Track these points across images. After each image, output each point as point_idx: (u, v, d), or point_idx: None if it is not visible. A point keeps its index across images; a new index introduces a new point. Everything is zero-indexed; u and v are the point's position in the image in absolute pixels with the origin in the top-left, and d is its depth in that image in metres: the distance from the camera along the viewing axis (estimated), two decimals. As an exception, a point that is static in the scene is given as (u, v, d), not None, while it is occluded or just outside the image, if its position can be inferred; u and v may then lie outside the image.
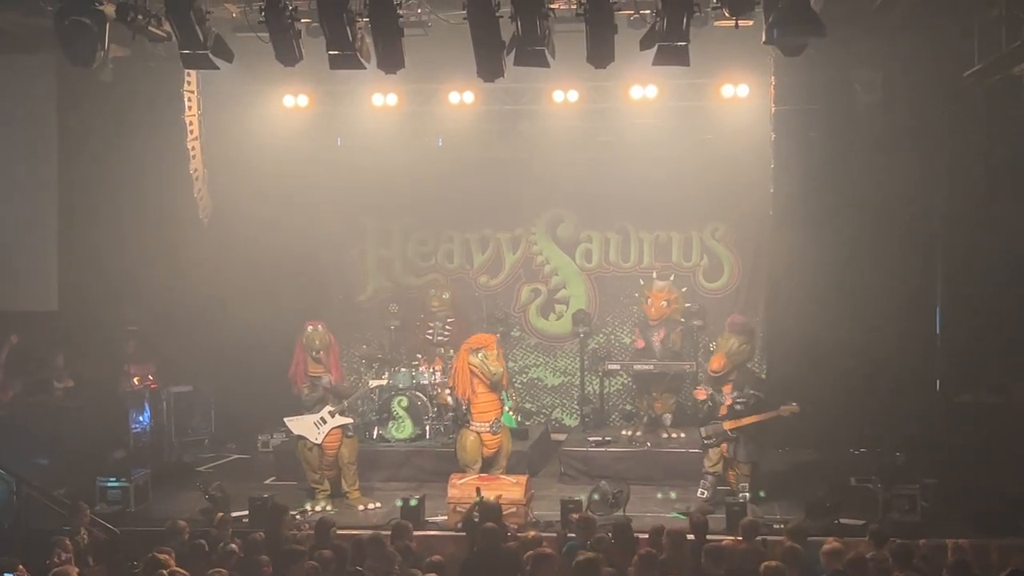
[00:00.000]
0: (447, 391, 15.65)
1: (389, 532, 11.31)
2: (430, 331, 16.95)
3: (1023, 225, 13.73)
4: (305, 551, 10.18)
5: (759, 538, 10.96)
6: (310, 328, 14.29)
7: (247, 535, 11.05)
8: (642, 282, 17.05)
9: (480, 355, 14.31)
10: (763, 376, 15.69)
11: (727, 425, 13.54)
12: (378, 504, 14.12)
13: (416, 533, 11.50)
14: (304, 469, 14.16)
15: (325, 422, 14.02)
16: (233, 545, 10.46)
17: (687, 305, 16.60)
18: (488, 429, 14.35)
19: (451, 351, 16.58)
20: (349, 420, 14.30)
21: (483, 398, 14.38)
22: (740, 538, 10.87)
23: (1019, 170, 13.67)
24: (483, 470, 14.22)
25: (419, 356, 16.43)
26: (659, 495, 14.09)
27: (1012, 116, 13.66)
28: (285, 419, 14.24)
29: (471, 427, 14.34)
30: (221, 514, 12.12)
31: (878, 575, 9.75)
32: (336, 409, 14.08)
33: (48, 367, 15.48)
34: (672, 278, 16.90)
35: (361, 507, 14.00)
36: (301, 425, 14.05)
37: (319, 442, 13.97)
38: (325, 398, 14.10)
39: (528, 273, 18.27)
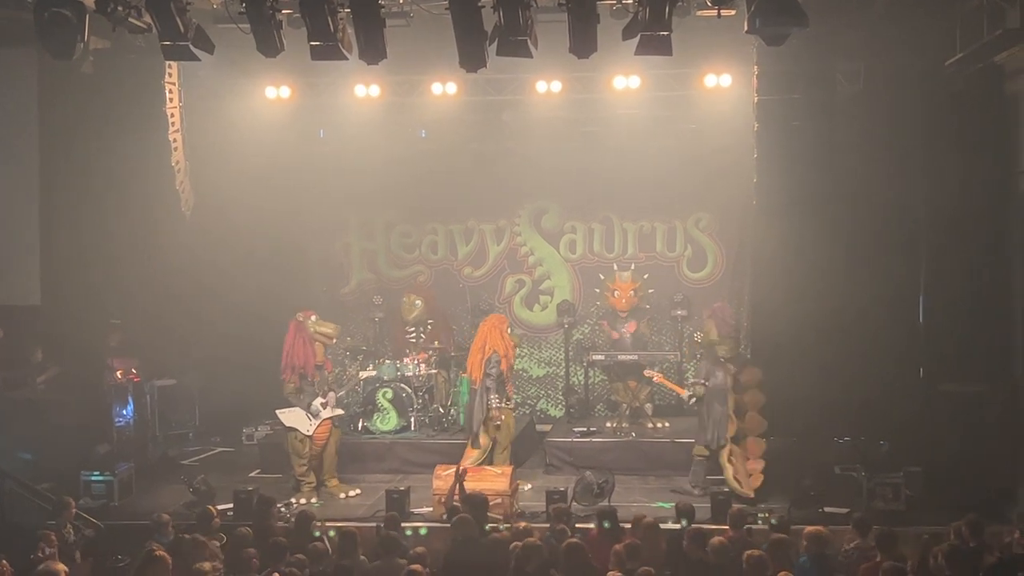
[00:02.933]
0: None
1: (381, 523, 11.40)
2: (412, 336, 16.93)
3: (1005, 213, 13.77)
4: (288, 545, 10.16)
5: (745, 527, 11.02)
6: (315, 317, 14.44)
7: (234, 528, 11.04)
8: (602, 277, 17.16)
9: (510, 329, 14.89)
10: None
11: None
12: (358, 491, 14.25)
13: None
14: (293, 461, 14.15)
15: (316, 415, 14.05)
16: (215, 542, 10.43)
17: (651, 291, 16.80)
18: (512, 405, 14.76)
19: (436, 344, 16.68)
20: (341, 411, 14.47)
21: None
22: (727, 527, 10.90)
23: (1001, 158, 13.69)
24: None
25: (406, 351, 16.42)
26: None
27: (994, 104, 13.70)
28: (277, 411, 14.24)
29: (508, 405, 14.60)
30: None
31: (861, 562, 9.83)
32: (327, 400, 14.15)
33: (27, 362, 15.40)
34: (632, 267, 17.07)
35: (342, 495, 14.12)
36: (292, 417, 14.08)
37: (310, 433, 14.02)
38: (319, 389, 14.20)
39: (512, 264, 18.28)
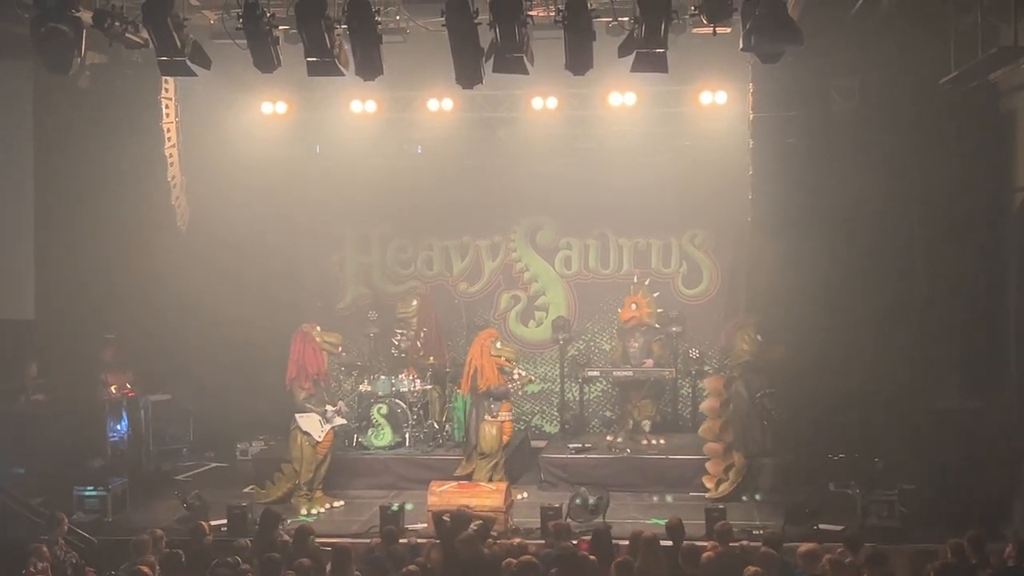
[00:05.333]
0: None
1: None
2: (397, 338, 16.85)
3: (1001, 230, 13.80)
4: (281, 560, 10.13)
5: (741, 543, 10.99)
6: (319, 328, 14.76)
7: (231, 542, 11.03)
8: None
9: (497, 343, 15.02)
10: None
11: None
12: (341, 503, 14.48)
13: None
14: (301, 469, 14.29)
15: (329, 421, 14.37)
16: (224, 568, 10.40)
17: (659, 310, 16.76)
18: (510, 417, 14.99)
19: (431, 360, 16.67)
20: (344, 421, 14.85)
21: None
22: (715, 542, 10.86)
23: (997, 176, 13.73)
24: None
25: (404, 372, 16.42)
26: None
27: (989, 121, 13.74)
28: (296, 415, 14.39)
29: (499, 417, 14.84)
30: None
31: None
32: (338, 408, 14.58)
33: (21, 376, 15.37)
34: (648, 282, 17.07)
35: (327, 506, 14.33)
36: (309, 422, 14.30)
37: (320, 440, 14.28)
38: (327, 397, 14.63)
39: (508, 280, 18.27)
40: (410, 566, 10.12)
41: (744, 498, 14.23)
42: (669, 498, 14.39)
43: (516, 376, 15.05)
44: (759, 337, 14.88)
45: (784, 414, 14.63)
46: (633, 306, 16.52)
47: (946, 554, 10.07)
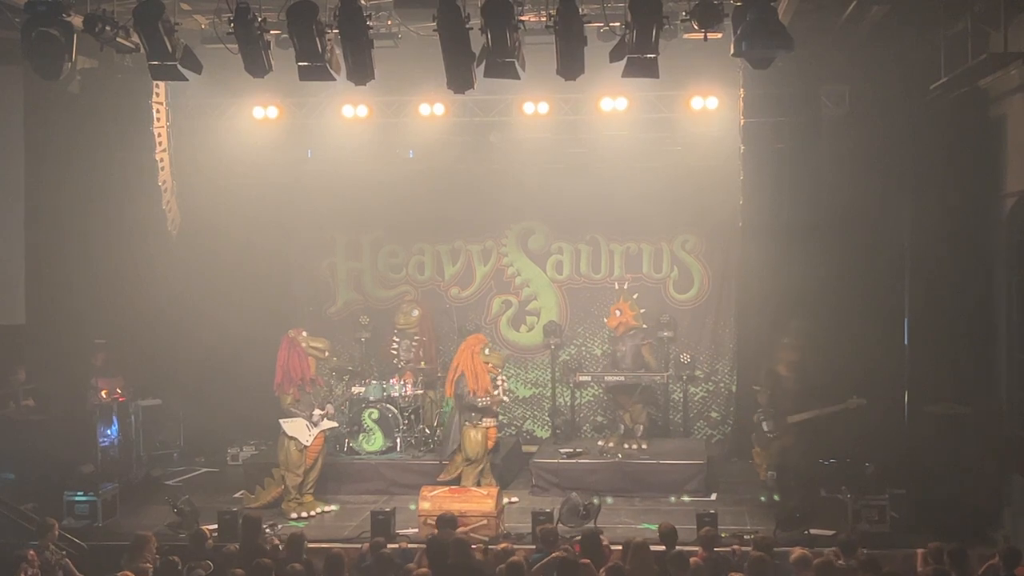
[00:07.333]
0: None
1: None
2: (395, 348, 16.84)
3: (990, 235, 13.84)
4: (272, 567, 10.12)
5: (732, 547, 11.00)
6: (305, 333, 14.62)
7: (220, 548, 11.01)
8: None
9: (487, 350, 14.88)
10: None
11: (792, 419, 14.68)
12: (334, 507, 14.40)
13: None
14: (287, 475, 14.20)
15: (316, 424, 14.28)
16: (200, 570, 10.38)
17: (642, 310, 16.66)
18: (496, 423, 14.90)
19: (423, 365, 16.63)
20: (336, 424, 14.75)
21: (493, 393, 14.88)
22: (700, 548, 10.88)
23: (986, 181, 13.77)
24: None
25: (395, 376, 16.39)
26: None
27: (979, 127, 13.78)
28: (280, 420, 14.33)
29: (483, 423, 14.70)
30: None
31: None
32: (326, 412, 14.43)
33: (11, 381, 15.32)
34: (626, 286, 17.03)
35: (317, 511, 14.25)
36: (294, 427, 14.23)
37: (309, 444, 14.21)
38: (315, 400, 14.48)
39: (499, 285, 18.26)
40: (419, 570, 10.15)
41: (763, 499, 14.39)
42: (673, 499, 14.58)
43: (500, 382, 14.98)
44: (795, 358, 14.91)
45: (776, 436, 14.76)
46: (617, 312, 16.50)
47: (922, 559, 10.09)
